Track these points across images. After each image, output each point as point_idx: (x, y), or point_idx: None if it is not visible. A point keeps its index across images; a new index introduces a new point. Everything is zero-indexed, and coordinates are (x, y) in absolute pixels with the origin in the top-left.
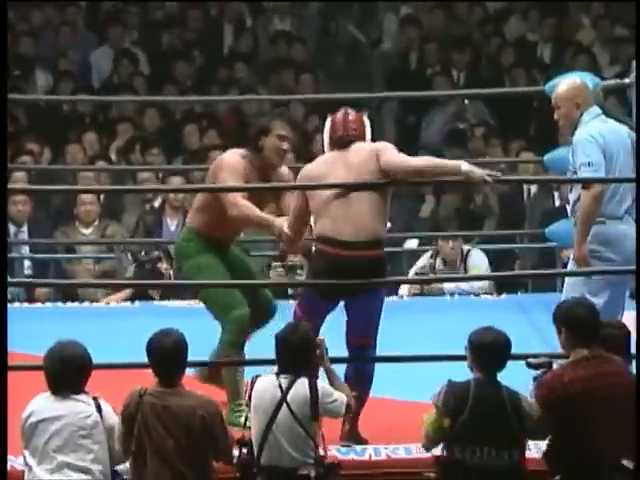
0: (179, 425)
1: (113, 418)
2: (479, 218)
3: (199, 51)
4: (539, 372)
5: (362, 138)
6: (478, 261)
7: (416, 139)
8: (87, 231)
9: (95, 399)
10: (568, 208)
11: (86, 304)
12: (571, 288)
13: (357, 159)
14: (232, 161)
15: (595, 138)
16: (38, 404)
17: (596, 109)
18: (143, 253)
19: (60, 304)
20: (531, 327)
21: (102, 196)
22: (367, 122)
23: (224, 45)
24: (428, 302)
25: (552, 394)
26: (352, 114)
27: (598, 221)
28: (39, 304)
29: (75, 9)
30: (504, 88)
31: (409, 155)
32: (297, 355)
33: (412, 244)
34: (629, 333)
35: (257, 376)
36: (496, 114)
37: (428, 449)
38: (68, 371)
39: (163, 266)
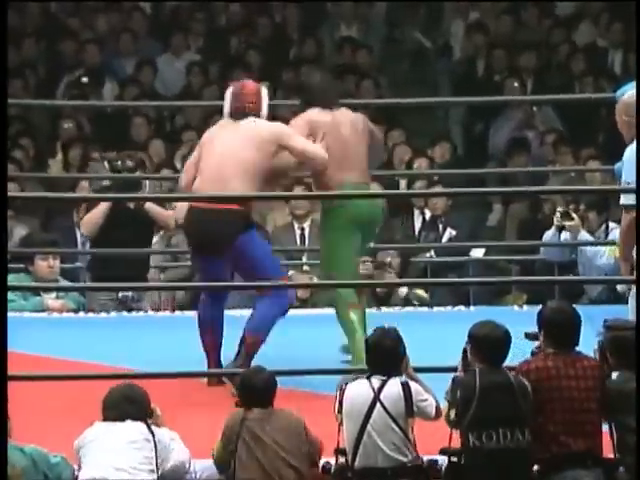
0: (288, 439)
1: (166, 438)
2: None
3: (263, 56)
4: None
5: (258, 110)
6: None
7: (484, 146)
8: (152, 240)
9: (147, 425)
10: None
11: (151, 313)
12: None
13: (250, 130)
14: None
15: None
16: (94, 430)
17: None
18: (119, 162)
19: (125, 313)
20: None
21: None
22: (264, 93)
23: (289, 50)
24: (496, 312)
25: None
26: (249, 86)
27: None
28: (103, 314)
29: (139, 15)
30: (574, 95)
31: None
32: (389, 357)
33: (478, 253)
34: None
35: (346, 382)
36: (566, 121)
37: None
38: (131, 408)
39: (137, 173)
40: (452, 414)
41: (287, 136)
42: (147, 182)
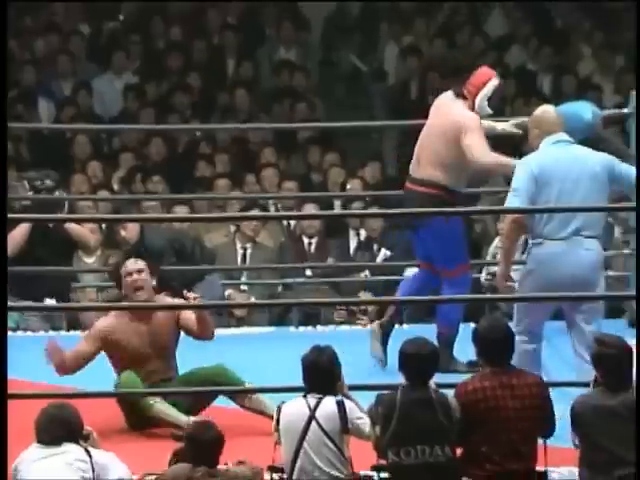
0: None
1: (103, 459)
2: (479, 246)
3: (200, 79)
4: None
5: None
6: None
7: None
8: (90, 260)
9: (83, 447)
10: None
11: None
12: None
13: None
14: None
15: (529, 165)
16: (30, 452)
17: (559, 136)
18: (39, 182)
19: (63, 332)
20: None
21: (104, 225)
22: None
23: (226, 74)
24: (428, 330)
25: (460, 400)
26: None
27: (537, 242)
28: (41, 332)
29: (78, 38)
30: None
31: None
32: (325, 376)
33: (412, 273)
34: (630, 353)
35: (283, 402)
36: (498, 142)
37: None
38: (64, 430)
39: (56, 193)
40: (377, 430)
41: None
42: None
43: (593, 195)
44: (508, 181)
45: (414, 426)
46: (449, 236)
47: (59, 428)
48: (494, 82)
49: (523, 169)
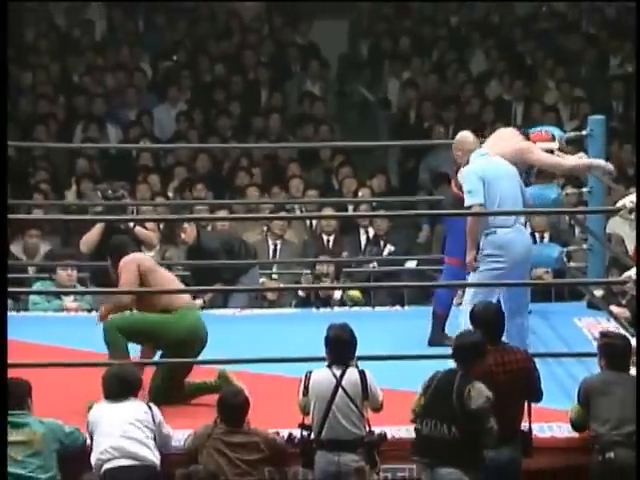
0: (248, 453)
1: (160, 416)
2: None
3: (239, 107)
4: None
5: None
6: None
7: (415, 179)
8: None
9: (146, 403)
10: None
11: None
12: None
13: None
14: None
15: (474, 171)
16: (101, 407)
17: (481, 151)
18: (110, 192)
19: None
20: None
21: (162, 225)
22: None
23: (260, 102)
24: (426, 311)
25: None
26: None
27: (491, 231)
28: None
29: (141, 74)
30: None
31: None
32: (347, 349)
33: (412, 264)
34: (630, 344)
35: (310, 371)
36: None
37: (412, 421)
38: (124, 386)
39: (127, 200)
40: (421, 400)
41: None
42: (134, 207)
43: (520, 192)
44: None
45: (434, 404)
46: (463, 232)
47: (121, 383)
48: (549, 145)
49: (471, 174)
